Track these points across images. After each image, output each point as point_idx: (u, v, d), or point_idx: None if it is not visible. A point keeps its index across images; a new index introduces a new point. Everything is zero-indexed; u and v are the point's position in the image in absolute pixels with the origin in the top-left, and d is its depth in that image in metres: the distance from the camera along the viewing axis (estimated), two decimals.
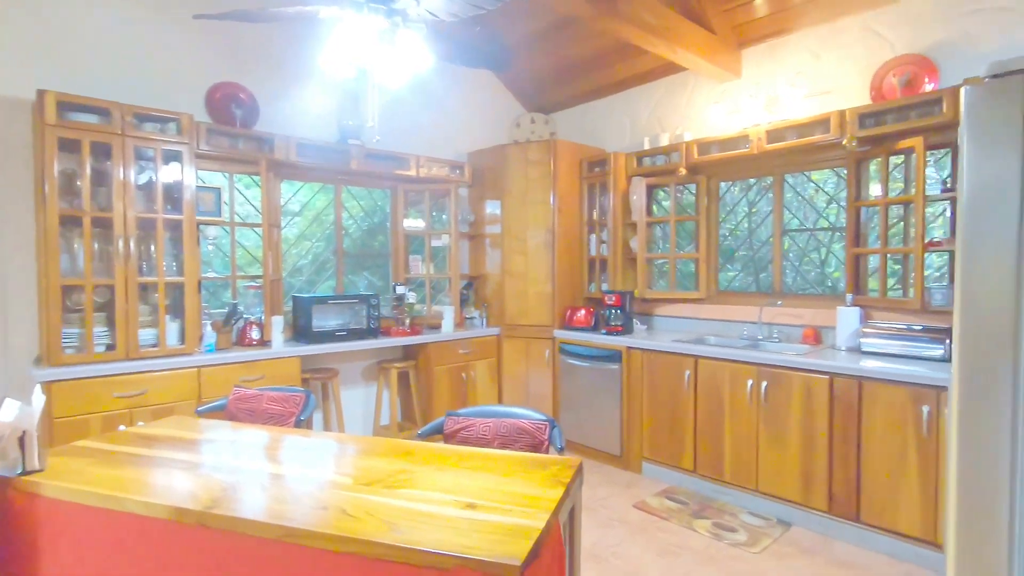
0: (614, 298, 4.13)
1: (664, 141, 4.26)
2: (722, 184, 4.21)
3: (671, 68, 4.31)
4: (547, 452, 2.04)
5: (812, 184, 3.79)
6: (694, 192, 4.33)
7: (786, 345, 3.60)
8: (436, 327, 4.52)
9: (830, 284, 3.72)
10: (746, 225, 4.15)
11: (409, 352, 4.48)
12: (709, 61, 3.70)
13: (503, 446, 2.07)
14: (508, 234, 4.64)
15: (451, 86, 4.92)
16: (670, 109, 4.43)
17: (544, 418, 2.12)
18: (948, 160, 3.10)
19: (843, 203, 3.60)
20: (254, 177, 3.82)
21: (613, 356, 4.01)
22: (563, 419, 4.41)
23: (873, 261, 3.45)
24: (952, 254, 3.06)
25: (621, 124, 4.79)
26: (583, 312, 4.44)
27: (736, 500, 3.39)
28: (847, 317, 3.32)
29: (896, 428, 2.73)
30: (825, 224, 3.74)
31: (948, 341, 2.87)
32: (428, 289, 4.69)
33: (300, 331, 3.82)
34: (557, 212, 4.47)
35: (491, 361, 4.67)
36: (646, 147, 4.39)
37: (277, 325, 3.61)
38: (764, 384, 3.20)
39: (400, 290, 4.32)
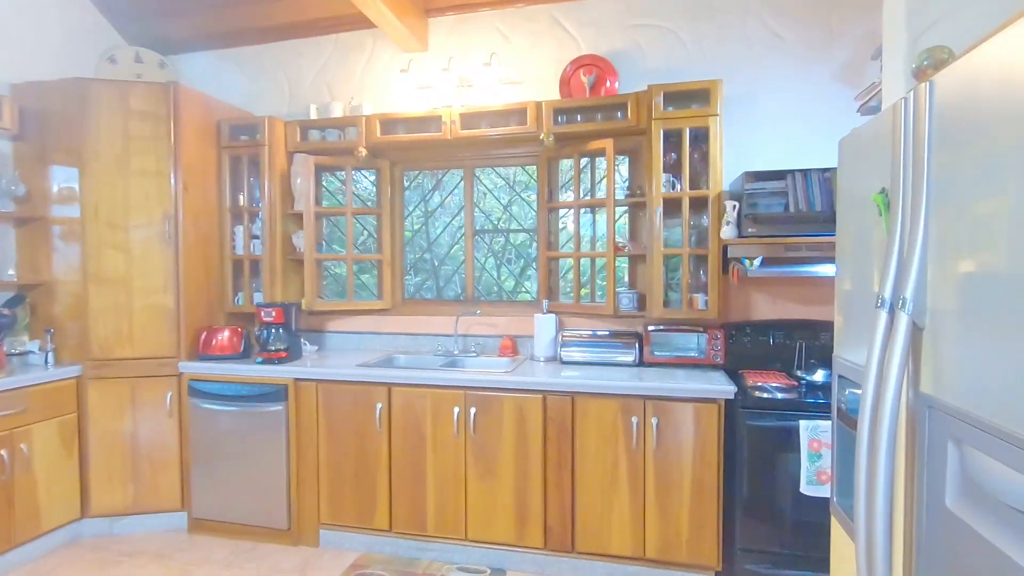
0: (273, 313, 3.03)
1: (337, 112, 3.37)
2: (407, 175, 3.58)
3: (344, 21, 3.45)
4: None
5: (502, 180, 3.51)
6: (375, 181, 3.58)
7: (488, 361, 3.18)
8: None
9: (525, 290, 3.50)
10: (436, 224, 3.62)
11: None
12: (398, 18, 3.00)
13: None
14: (95, 219, 2.98)
15: None
16: (343, 74, 3.56)
17: None
18: (626, 166, 3.16)
19: (531, 204, 3.40)
20: None
21: (274, 393, 2.91)
22: (198, 490, 3.04)
23: (564, 265, 3.34)
24: (632, 259, 3.13)
25: (277, 83, 3.67)
26: (227, 334, 3.17)
27: (444, 555, 2.77)
28: (544, 325, 3.09)
29: (607, 443, 2.55)
30: (516, 226, 3.50)
31: (639, 345, 2.87)
32: None
33: None
34: (183, 192, 3.07)
35: (66, 421, 2.92)
36: (313, 116, 3.41)
37: None
38: (473, 411, 2.68)
39: None
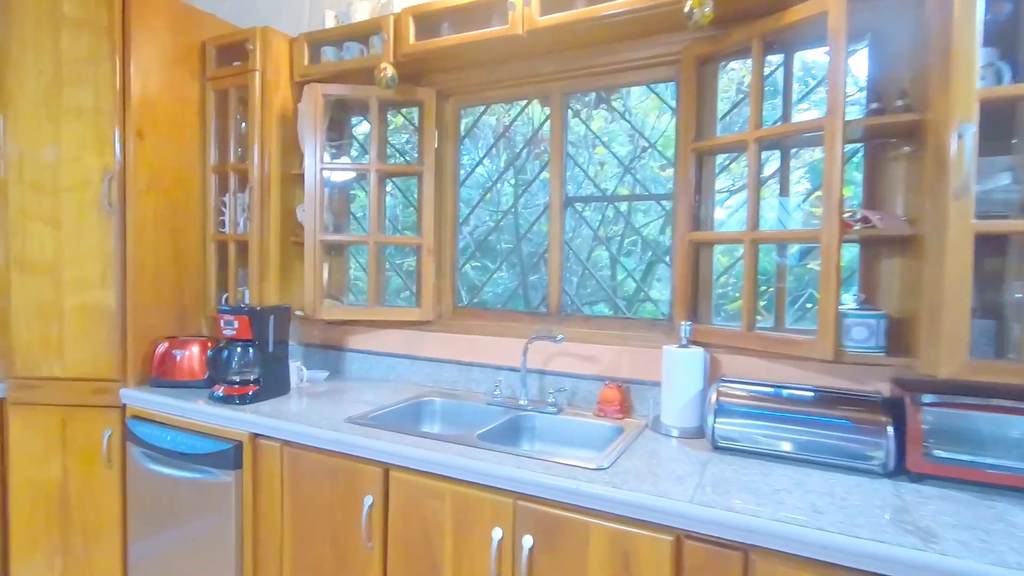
0: (236, 323, 1.92)
1: (361, 15, 2.20)
2: (464, 112, 2.32)
3: None
4: None
5: (614, 120, 2.10)
6: (415, 122, 2.36)
7: (571, 426, 1.81)
8: None
9: (646, 298, 2.07)
10: (509, 190, 2.32)
11: None
12: None
13: None
14: (19, 179, 2.10)
15: None
16: None
17: None
18: (863, 58, 1.60)
19: (664, 158, 1.95)
20: None
21: (223, 454, 1.80)
22: (136, 572, 2.05)
23: (723, 259, 1.86)
24: (874, 246, 1.56)
25: None
26: (193, 349, 2.14)
27: None
28: (682, 366, 1.65)
29: None
30: (634, 193, 2.07)
31: (894, 431, 1.32)
32: None
33: None
34: (134, 139, 2.08)
35: None
36: (330, 25, 2.27)
37: None
38: (528, 542, 1.33)
39: None
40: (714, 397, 1.53)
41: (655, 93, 1.99)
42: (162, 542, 1.97)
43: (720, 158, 1.83)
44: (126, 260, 2.09)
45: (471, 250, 2.35)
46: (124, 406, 2.09)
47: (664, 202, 2.00)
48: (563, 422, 1.82)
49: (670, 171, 1.96)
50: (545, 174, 2.15)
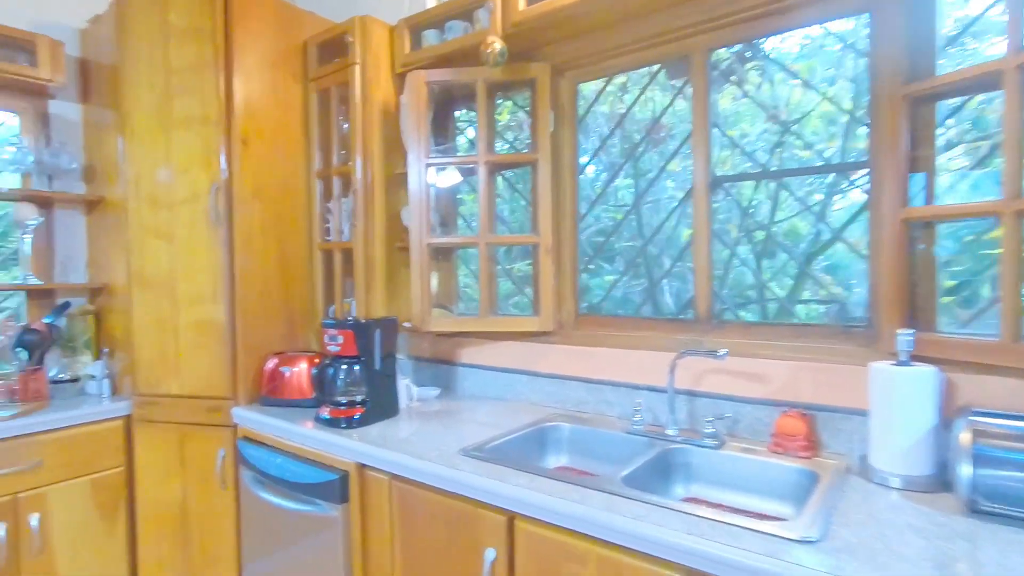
0: (340, 337, 1.74)
1: None
2: (583, 88, 2.00)
3: None
4: None
5: (779, 70, 1.67)
6: (527, 107, 2.08)
7: (738, 465, 1.41)
8: None
9: (838, 300, 1.61)
10: (625, 185, 1.96)
11: None
12: None
13: None
14: (136, 194, 2.09)
15: None
16: None
17: None
18: None
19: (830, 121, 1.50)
20: None
21: (329, 486, 1.61)
22: None
23: (952, 239, 1.37)
24: None
25: None
26: (301, 366, 2.01)
27: None
28: (905, 391, 1.20)
29: None
30: (812, 159, 1.63)
31: None
32: None
33: None
34: (239, 147, 2.00)
35: (106, 480, 2.08)
36: (432, 5, 2.06)
37: None
38: None
39: None
40: (967, 437, 1.07)
41: (831, 36, 1.54)
42: (274, 571, 1.83)
43: (943, 108, 1.35)
44: (234, 272, 2.00)
45: (587, 252, 2.02)
46: (236, 426, 2.00)
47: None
48: (728, 460, 1.43)
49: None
50: (675, 164, 1.76)
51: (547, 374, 1.94)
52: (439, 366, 2.25)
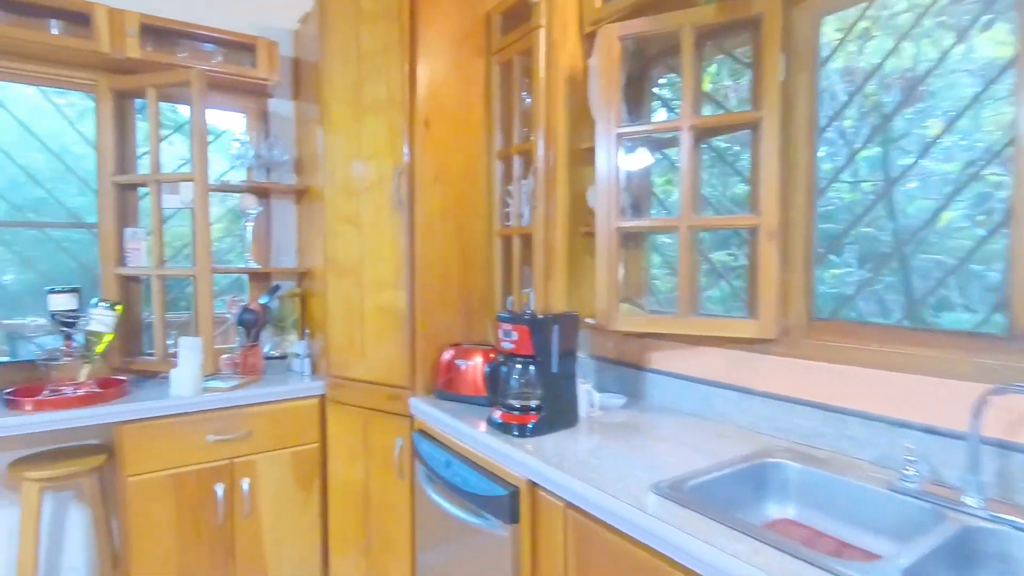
0: (515, 334, 1.54)
1: None
2: (826, 23, 1.51)
3: None
4: None
5: None
6: (747, 60, 1.65)
7: None
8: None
9: None
10: (865, 162, 1.43)
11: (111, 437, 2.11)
12: None
13: None
14: (332, 181, 2.15)
15: None
16: None
17: None
18: None
19: None
20: None
21: (498, 502, 1.43)
22: None
23: None
24: None
25: None
26: (476, 360, 1.88)
27: None
28: None
29: None
30: None
31: None
32: (160, 299, 2.22)
33: None
34: (423, 130, 1.93)
35: (304, 454, 2.21)
36: None
37: None
38: None
39: (98, 309, 1.96)
40: None
41: None
42: (444, 566, 1.73)
43: None
44: (414, 258, 1.94)
45: (829, 238, 1.53)
46: (412, 416, 1.95)
47: None
48: None
49: None
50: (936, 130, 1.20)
51: (764, 393, 1.53)
52: (624, 369, 1.96)
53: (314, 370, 2.33)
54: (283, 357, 2.43)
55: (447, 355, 1.94)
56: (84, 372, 1.97)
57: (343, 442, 2.16)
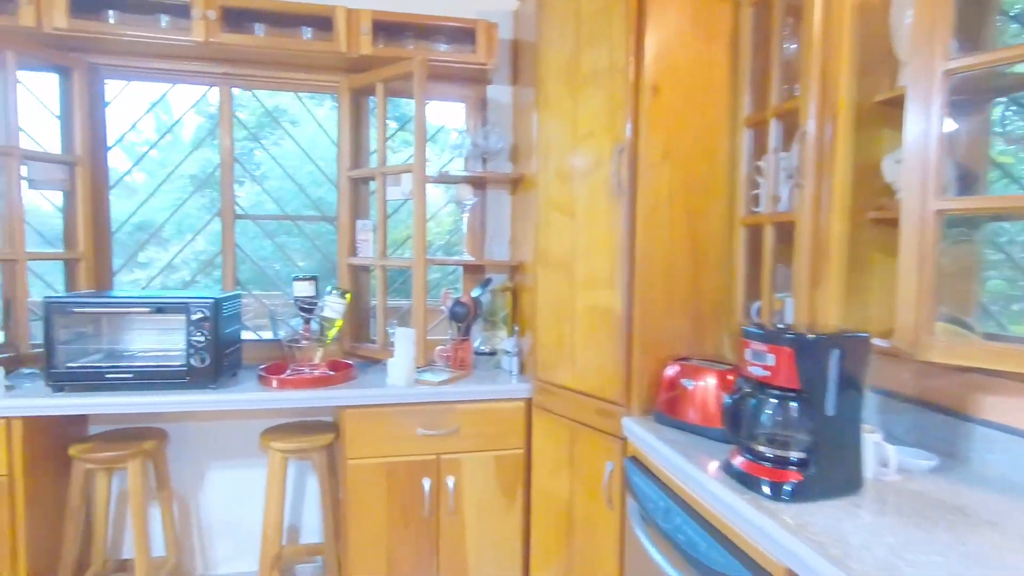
0: (772, 357, 1.13)
1: None
2: None
3: None
4: None
5: None
6: None
7: None
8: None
9: None
10: None
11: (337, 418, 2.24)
12: None
13: None
14: (544, 167, 1.96)
15: None
16: None
17: None
18: None
19: None
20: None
21: None
22: None
23: None
24: None
25: None
26: (710, 381, 1.50)
27: None
28: None
29: None
30: None
31: None
32: (383, 288, 2.27)
33: (53, 368, 1.94)
34: (650, 99, 1.60)
35: (508, 459, 2.09)
36: None
37: None
38: None
39: (331, 297, 2.12)
40: None
41: None
42: None
43: None
44: (633, 252, 1.63)
45: None
46: (625, 439, 1.65)
47: None
48: None
49: None
50: None
51: None
52: (929, 415, 1.37)
53: (522, 370, 2.18)
54: (492, 353, 2.35)
55: (671, 371, 1.59)
56: (319, 355, 2.11)
57: (548, 453, 1.97)
